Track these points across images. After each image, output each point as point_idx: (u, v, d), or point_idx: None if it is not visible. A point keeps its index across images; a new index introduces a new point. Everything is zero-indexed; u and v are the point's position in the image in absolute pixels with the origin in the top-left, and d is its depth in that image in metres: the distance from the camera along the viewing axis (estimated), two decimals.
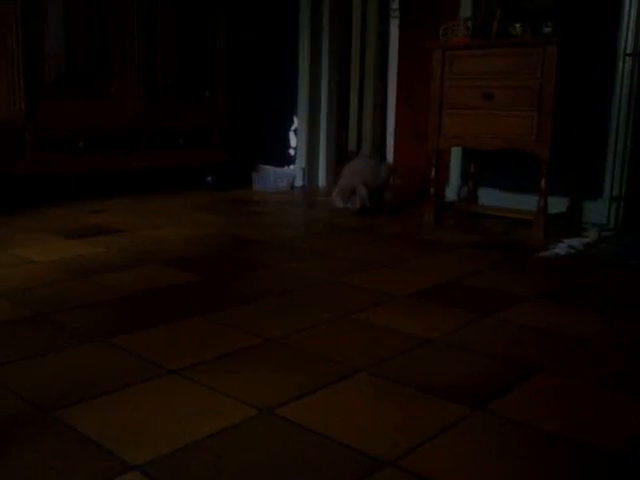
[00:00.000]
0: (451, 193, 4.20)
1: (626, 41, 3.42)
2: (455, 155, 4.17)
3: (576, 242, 3.20)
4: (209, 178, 4.74)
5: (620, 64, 3.45)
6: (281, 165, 5.01)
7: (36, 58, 3.85)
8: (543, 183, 3.34)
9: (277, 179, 4.86)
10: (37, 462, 1.24)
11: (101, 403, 1.48)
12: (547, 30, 3.28)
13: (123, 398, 1.50)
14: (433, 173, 3.68)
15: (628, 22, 3.41)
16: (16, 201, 3.80)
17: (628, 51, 3.42)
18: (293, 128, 4.98)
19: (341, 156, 5.53)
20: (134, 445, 1.30)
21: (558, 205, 3.59)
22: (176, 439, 1.32)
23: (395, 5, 6.15)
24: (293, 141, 5.00)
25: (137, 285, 2.38)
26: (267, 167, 5.03)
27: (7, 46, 3.72)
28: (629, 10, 3.40)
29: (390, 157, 6.19)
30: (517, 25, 3.35)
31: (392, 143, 5.86)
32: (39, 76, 3.87)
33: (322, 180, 4.94)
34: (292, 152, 5.01)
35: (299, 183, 4.92)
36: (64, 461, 1.25)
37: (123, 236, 3.17)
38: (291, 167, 5.00)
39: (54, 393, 1.52)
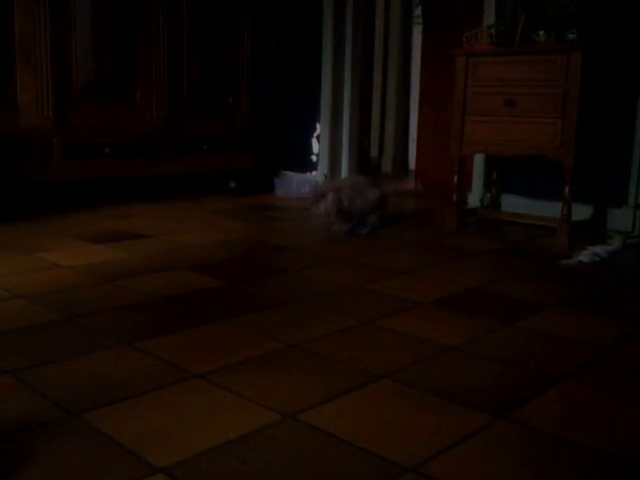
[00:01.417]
0: (473, 200, 4.19)
1: None
2: (478, 161, 4.16)
3: (600, 250, 3.18)
4: (232, 184, 4.78)
5: None
6: (303, 171, 5.03)
7: (64, 66, 3.93)
8: (567, 190, 3.32)
9: (299, 185, 4.88)
10: (63, 463, 1.26)
11: (127, 406, 1.50)
12: (571, 37, 3.27)
13: (149, 401, 1.53)
14: (455, 180, 3.68)
15: None
16: (44, 206, 3.87)
17: None
18: (316, 134, 5.00)
19: (363, 163, 5.55)
20: (159, 448, 1.32)
21: (582, 212, 3.56)
22: (201, 443, 1.34)
23: (418, 12, 6.18)
24: (315, 147, 5.01)
25: (162, 290, 2.42)
26: (290, 173, 5.05)
27: (36, 54, 3.80)
28: None
29: (412, 163, 6.20)
30: (541, 32, 3.34)
31: (414, 149, 5.87)
32: (67, 83, 3.95)
33: None
34: (314, 158, 5.03)
35: None
36: (90, 463, 1.27)
37: (148, 241, 3.21)
38: (313, 173, 5.01)
39: (81, 396, 1.55)
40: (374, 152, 6.69)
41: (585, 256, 3.07)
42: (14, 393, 1.56)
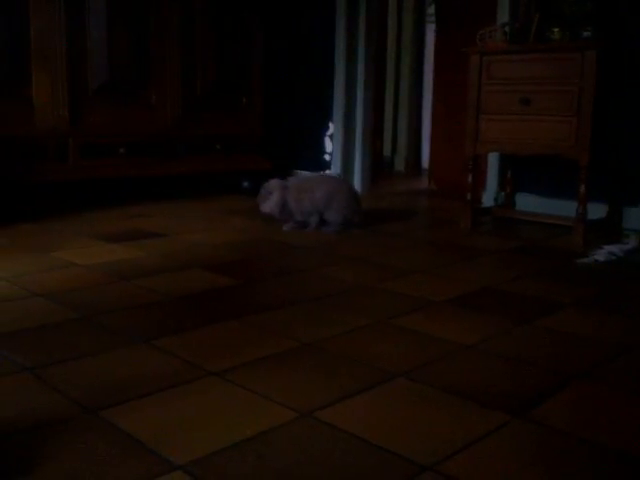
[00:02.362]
0: (488, 199, 4.17)
1: None
2: (492, 160, 4.15)
3: (616, 249, 3.16)
4: (245, 183, 4.79)
5: None
6: (317, 170, 5.04)
7: (79, 66, 3.95)
8: (582, 189, 3.30)
9: None
10: (83, 460, 1.27)
11: (145, 404, 1.51)
12: (586, 35, 3.25)
13: (166, 399, 1.54)
14: (469, 179, 3.67)
15: None
16: (59, 206, 3.90)
17: None
18: (329, 133, 5.00)
19: (376, 161, 5.54)
20: (177, 445, 1.33)
21: (597, 211, 3.54)
22: (218, 440, 1.35)
23: (431, 10, 6.16)
24: (329, 146, 5.02)
25: (177, 288, 2.43)
26: (303, 172, 5.06)
27: (51, 55, 3.83)
28: None
29: (425, 162, 6.19)
30: (555, 30, 3.32)
31: (427, 148, 5.87)
32: (82, 84, 3.98)
33: (357, 185, 4.95)
34: (327, 157, 5.03)
35: None
36: (109, 460, 1.28)
37: (163, 240, 3.23)
38: (327, 172, 5.02)
39: (99, 393, 1.56)
40: (387, 151, 6.69)
41: (601, 255, 3.05)
42: (32, 390, 1.58)
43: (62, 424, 1.41)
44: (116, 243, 3.12)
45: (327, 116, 4.98)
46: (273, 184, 3.49)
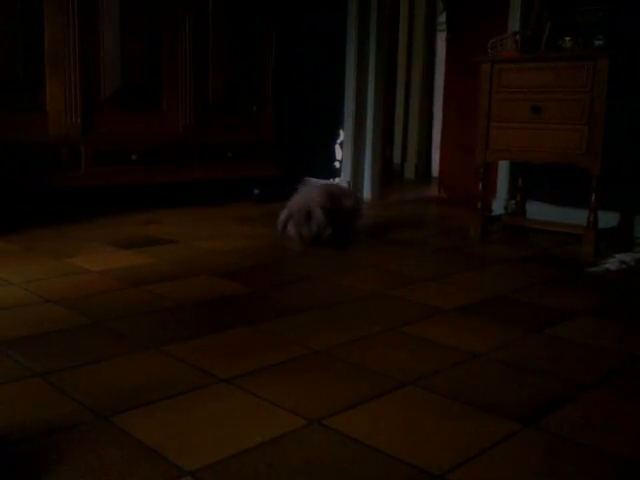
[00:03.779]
0: (498, 207, 4.17)
1: None
2: (502, 168, 4.15)
3: (627, 257, 3.15)
4: (256, 191, 4.81)
5: None
6: (327, 178, 5.05)
7: (92, 74, 3.99)
8: (593, 197, 3.29)
9: None
10: (93, 466, 1.28)
11: (156, 410, 1.52)
12: (598, 43, 3.25)
13: (177, 405, 1.55)
14: (480, 186, 3.66)
15: None
16: (71, 212, 3.93)
17: None
18: (339, 141, 5.01)
19: (385, 169, 5.55)
20: (188, 452, 1.34)
21: (609, 220, 3.53)
22: (228, 447, 1.35)
23: (442, 19, 6.18)
24: (339, 154, 5.03)
25: (188, 295, 2.44)
26: (313, 180, 5.07)
27: (65, 62, 3.86)
28: None
29: (435, 170, 6.19)
30: (567, 39, 3.32)
31: (437, 156, 5.87)
32: (95, 91, 4.01)
33: (367, 193, 4.97)
34: (338, 165, 5.05)
35: None
36: (119, 465, 1.29)
37: (174, 247, 3.24)
38: (336, 180, 5.03)
39: (110, 399, 1.57)
40: (397, 158, 6.70)
41: (612, 264, 3.04)
42: (44, 396, 1.59)
43: (73, 430, 1.42)
44: (128, 249, 3.14)
45: (337, 123, 4.99)
46: (307, 204, 3.19)
